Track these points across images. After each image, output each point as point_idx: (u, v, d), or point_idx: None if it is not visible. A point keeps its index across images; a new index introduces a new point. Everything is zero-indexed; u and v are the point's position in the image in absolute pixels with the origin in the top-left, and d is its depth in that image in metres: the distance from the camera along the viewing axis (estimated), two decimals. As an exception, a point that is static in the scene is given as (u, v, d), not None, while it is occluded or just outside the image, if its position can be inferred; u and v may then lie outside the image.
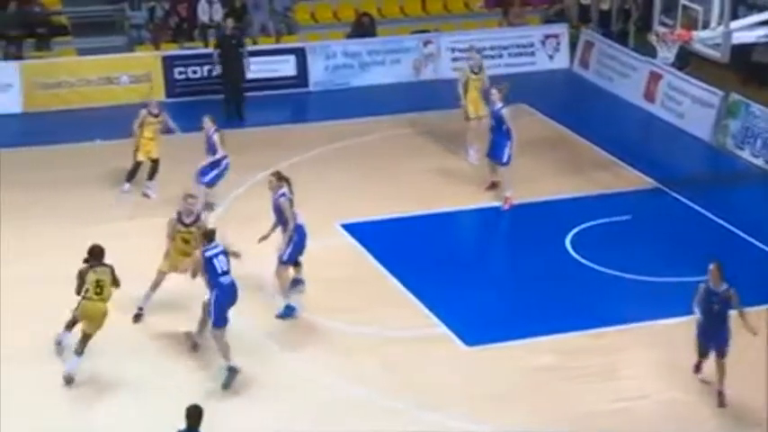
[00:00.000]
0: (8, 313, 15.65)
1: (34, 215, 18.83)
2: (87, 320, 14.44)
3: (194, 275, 14.64)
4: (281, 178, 16.02)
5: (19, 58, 24.45)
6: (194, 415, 11.56)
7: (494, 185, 20.00)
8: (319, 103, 24.59)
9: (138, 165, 19.74)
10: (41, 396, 14.14)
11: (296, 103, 24.62)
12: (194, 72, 24.32)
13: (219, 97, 23.54)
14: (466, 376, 14.85)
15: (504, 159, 19.53)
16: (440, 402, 14.26)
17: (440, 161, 21.38)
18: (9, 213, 18.69)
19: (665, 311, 16.32)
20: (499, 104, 19.65)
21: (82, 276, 14.31)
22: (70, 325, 14.80)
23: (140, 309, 15.80)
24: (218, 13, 25.90)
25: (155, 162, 19.75)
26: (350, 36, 26.64)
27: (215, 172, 18.84)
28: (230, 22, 24.09)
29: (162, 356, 15.13)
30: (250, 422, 13.82)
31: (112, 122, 22.74)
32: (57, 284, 15.17)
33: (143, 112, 19.63)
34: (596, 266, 17.64)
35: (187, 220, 15.56)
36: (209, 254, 14.39)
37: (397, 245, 18.28)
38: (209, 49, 24.71)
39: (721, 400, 14.32)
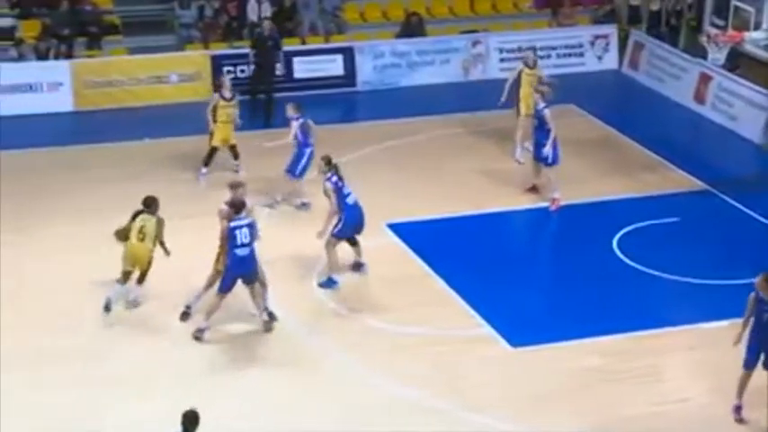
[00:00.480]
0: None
1: (84, 212, 19.02)
2: (132, 262, 15.79)
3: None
4: (328, 162, 16.71)
5: (70, 57, 24.65)
6: (191, 420, 11.35)
7: (534, 188, 19.87)
8: (367, 103, 24.63)
9: (213, 150, 20.17)
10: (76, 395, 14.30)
11: (344, 102, 24.66)
12: (242, 71, 24.39)
13: (263, 97, 23.62)
14: (510, 377, 14.83)
15: (549, 160, 19.46)
16: (484, 403, 14.25)
17: (488, 162, 21.35)
18: (57, 212, 18.92)
19: (710, 314, 16.21)
20: (542, 104, 19.60)
21: (128, 224, 15.74)
22: (124, 278, 15.88)
23: (188, 307, 15.93)
24: (268, 11, 25.97)
25: (233, 147, 20.15)
26: (399, 36, 26.65)
27: (301, 163, 19.09)
28: (268, 24, 24.20)
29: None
30: (299, 421, 13.83)
31: (162, 121, 23.01)
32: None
33: (215, 96, 20.04)
34: (643, 268, 17.54)
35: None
36: (233, 224, 15.15)
37: (444, 245, 18.26)
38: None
39: None
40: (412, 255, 17.94)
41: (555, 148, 19.49)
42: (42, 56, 24.57)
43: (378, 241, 18.18)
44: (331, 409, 14.11)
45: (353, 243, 17.10)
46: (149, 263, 15.93)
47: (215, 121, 19.92)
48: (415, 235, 18.49)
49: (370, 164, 21.03)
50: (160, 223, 15.86)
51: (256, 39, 24.13)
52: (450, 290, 16.88)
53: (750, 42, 18.21)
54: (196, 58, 25.03)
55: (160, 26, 26.55)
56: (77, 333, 15.52)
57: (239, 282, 15.43)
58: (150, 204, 15.89)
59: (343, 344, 15.54)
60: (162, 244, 15.97)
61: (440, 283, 17.10)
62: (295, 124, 19.05)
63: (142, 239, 15.72)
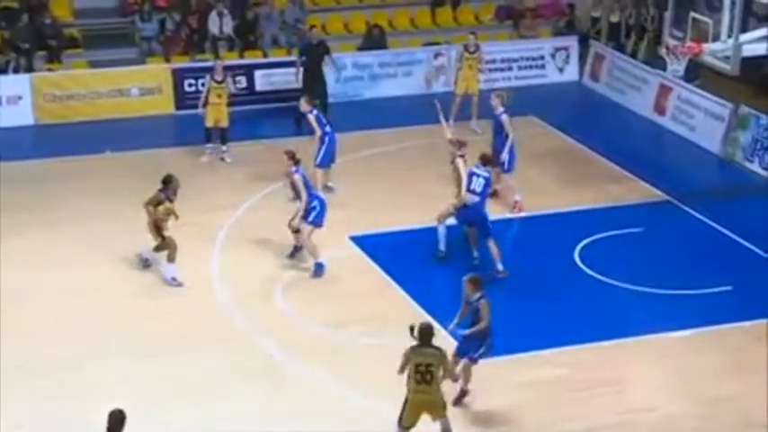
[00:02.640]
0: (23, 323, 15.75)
1: (47, 224, 18.91)
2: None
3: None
4: (292, 157, 17.65)
5: (30, 70, 24.52)
6: (116, 420, 11.13)
7: (494, 193, 19.90)
8: (330, 116, 24.58)
9: (208, 131, 21.47)
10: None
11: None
12: (203, 85, 24.30)
13: (228, 110, 23.54)
14: (473, 389, 14.80)
15: (506, 166, 19.75)
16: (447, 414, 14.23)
17: (450, 173, 21.31)
18: (20, 225, 18.80)
19: (673, 324, 16.31)
20: (500, 109, 19.87)
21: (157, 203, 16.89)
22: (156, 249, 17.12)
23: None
24: (229, 24, 25.99)
25: (223, 131, 21.44)
26: (361, 48, 26.68)
27: (322, 150, 19.93)
28: (315, 32, 24.53)
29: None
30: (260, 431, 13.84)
31: (123, 134, 22.91)
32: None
33: (208, 78, 21.54)
34: (604, 278, 17.62)
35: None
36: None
37: (407, 257, 18.27)
38: (212, 62, 25.03)
39: None
40: (375, 266, 17.95)
41: (512, 154, 19.73)
42: (2, 69, 24.43)
43: (340, 253, 18.20)
44: (294, 420, 14.05)
45: (297, 230, 17.79)
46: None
47: (206, 104, 21.28)
48: (377, 247, 18.49)
49: (333, 176, 20.97)
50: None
51: (305, 48, 24.13)
52: (413, 301, 16.89)
53: (709, 54, 18.30)
54: (157, 72, 24.95)
55: (121, 39, 26.43)
56: (50, 344, 15.44)
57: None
58: (167, 182, 17.00)
59: (306, 355, 15.50)
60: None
61: (402, 295, 17.10)
62: (311, 117, 19.94)
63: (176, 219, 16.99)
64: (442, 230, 18.11)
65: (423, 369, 12.67)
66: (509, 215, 19.71)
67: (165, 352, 15.49)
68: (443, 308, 16.64)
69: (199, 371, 15.09)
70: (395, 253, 18.35)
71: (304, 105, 20.17)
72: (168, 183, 17.09)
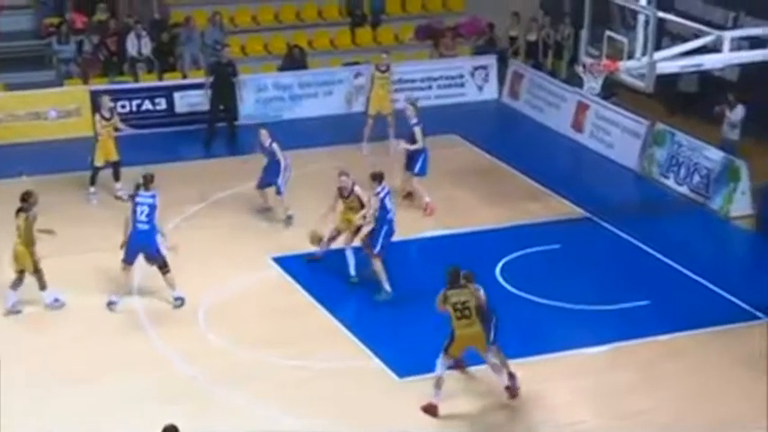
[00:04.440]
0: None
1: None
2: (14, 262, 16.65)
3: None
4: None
5: (-54, 93, 24.22)
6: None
7: (409, 195, 20.73)
8: (251, 137, 24.50)
9: (96, 170, 20.75)
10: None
11: (227, 136, 24.48)
12: (123, 107, 24.17)
13: (148, 132, 23.45)
14: (399, 408, 14.86)
15: (416, 170, 20.39)
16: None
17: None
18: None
19: (593, 339, 16.51)
20: (414, 120, 20.37)
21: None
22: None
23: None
24: (147, 46, 25.86)
25: (115, 164, 20.71)
26: (281, 69, 26.69)
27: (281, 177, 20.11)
28: (227, 51, 24.42)
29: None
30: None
31: (41, 157, 22.65)
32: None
33: (96, 116, 20.82)
34: (525, 295, 17.78)
35: (345, 194, 18.10)
36: (382, 194, 17.50)
37: (329, 277, 18.29)
38: (139, 84, 24.83)
39: None
40: (297, 287, 17.94)
41: (425, 161, 20.43)
42: None
43: (263, 274, 18.18)
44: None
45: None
46: (33, 264, 16.59)
47: (97, 140, 20.53)
48: (300, 267, 18.48)
49: (254, 197, 20.94)
50: (29, 220, 16.39)
51: (214, 66, 24.05)
52: (336, 322, 16.91)
53: (625, 71, 18.57)
54: (75, 94, 24.73)
55: (38, 62, 26.19)
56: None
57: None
58: (26, 199, 16.55)
59: (230, 378, 15.44)
60: (42, 231, 16.55)
61: (326, 316, 17.12)
62: (275, 145, 20.17)
63: (18, 237, 16.51)
64: (349, 254, 18.14)
65: (460, 306, 14.56)
66: (430, 233, 19.83)
67: (84, 378, 15.33)
68: (366, 327, 16.77)
69: (120, 396, 14.96)
70: (318, 273, 18.34)
71: (263, 137, 20.32)
72: (29, 198, 16.73)
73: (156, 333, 16.51)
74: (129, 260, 17.09)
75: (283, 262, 18.67)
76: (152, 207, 16.94)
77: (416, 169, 20.49)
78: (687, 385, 15.52)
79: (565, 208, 21.22)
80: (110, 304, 17.12)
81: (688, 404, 15.06)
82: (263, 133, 20.45)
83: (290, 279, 18.20)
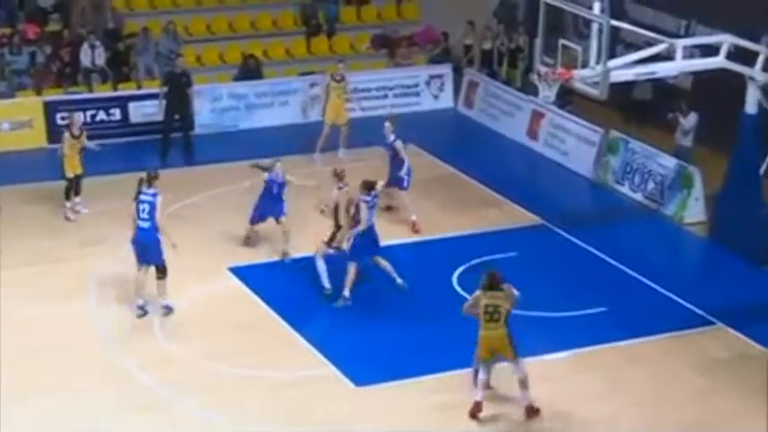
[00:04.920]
0: None
1: None
2: None
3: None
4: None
5: None
6: None
7: (389, 208, 20.73)
8: (206, 146, 24.45)
9: (70, 181, 20.56)
10: None
11: (183, 146, 24.38)
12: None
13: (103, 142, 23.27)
14: (356, 417, 14.85)
15: (404, 184, 20.43)
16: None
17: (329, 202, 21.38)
18: None
19: (551, 346, 16.56)
20: (392, 137, 20.48)
21: None
22: None
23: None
24: (101, 57, 25.70)
25: (78, 177, 20.61)
26: (236, 78, 26.62)
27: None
28: (181, 60, 24.23)
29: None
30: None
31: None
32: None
33: (66, 134, 20.62)
34: (483, 303, 17.78)
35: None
36: (371, 203, 17.73)
37: (286, 287, 18.26)
38: (93, 94, 24.66)
39: None
40: (254, 297, 17.88)
41: (409, 175, 20.44)
42: None
43: (220, 285, 18.11)
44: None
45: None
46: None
47: (64, 155, 20.45)
48: (257, 277, 18.43)
49: (211, 207, 20.89)
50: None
51: (169, 76, 23.88)
52: (293, 331, 16.88)
53: (579, 80, 18.69)
54: (29, 105, 24.53)
55: (-10, 73, 25.96)
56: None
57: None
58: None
59: (187, 388, 15.37)
60: None
61: (283, 325, 17.07)
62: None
63: None
64: (321, 265, 18.10)
65: (491, 309, 14.69)
66: (387, 242, 19.83)
67: (40, 389, 15.19)
68: (323, 335, 16.75)
69: (75, 407, 14.84)
70: (275, 284, 18.30)
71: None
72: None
73: (113, 343, 16.38)
74: (138, 261, 17.07)
75: (240, 272, 18.60)
76: (153, 205, 16.86)
77: (405, 183, 20.42)
78: (647, 391, 15.61)
79: (521, 216, 21.32)
80: (139, 308, 17.08)
81: (648, 409, 15.15)
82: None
83: (246, 290, 18.13)
